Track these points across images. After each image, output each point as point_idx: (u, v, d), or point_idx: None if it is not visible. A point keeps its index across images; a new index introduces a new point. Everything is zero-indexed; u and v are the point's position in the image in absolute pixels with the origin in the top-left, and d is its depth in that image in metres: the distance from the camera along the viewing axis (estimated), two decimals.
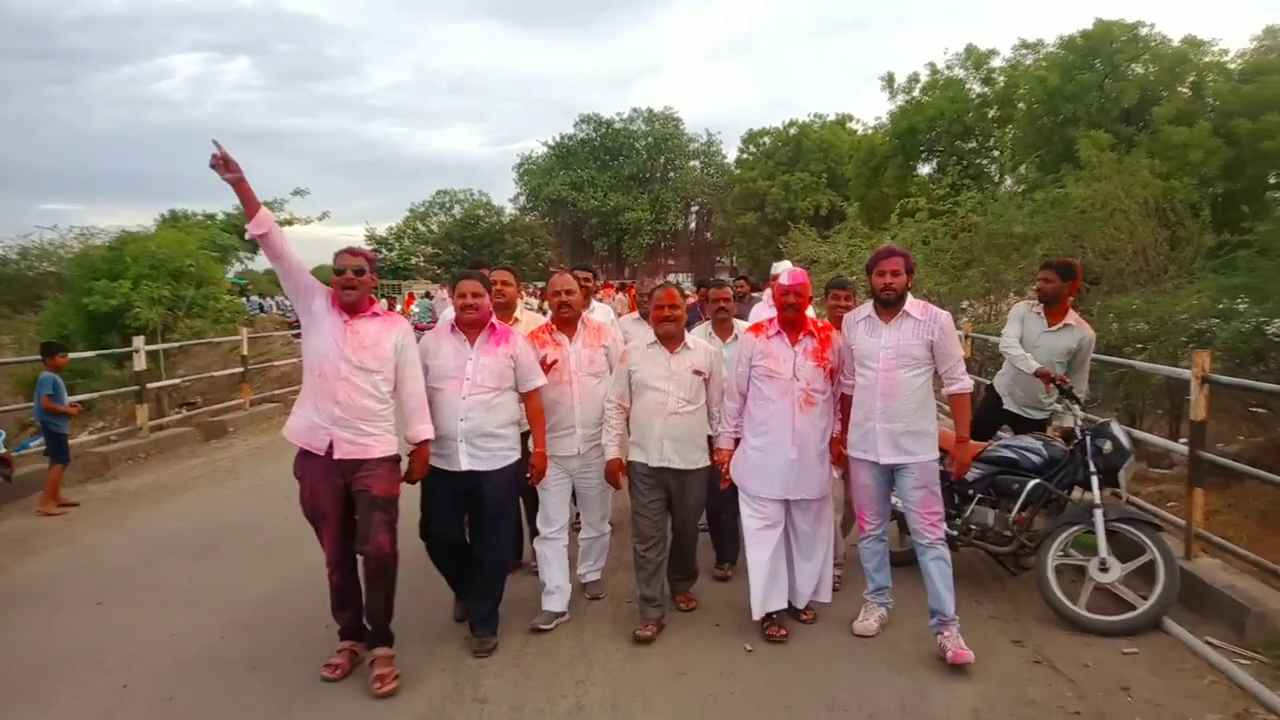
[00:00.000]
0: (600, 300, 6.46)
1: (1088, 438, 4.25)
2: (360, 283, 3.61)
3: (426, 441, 3.78)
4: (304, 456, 3.64)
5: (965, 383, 3.87)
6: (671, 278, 40.10)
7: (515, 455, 4.02)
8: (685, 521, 4.26)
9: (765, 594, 4.00)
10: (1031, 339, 4.87)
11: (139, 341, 9.38)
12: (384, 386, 3.66)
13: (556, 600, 4.29)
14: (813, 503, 4.07)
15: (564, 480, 4.33)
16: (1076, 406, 4.42)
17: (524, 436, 4.18)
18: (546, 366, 4.20)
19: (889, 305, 3.86)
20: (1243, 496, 5.85)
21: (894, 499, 4.07)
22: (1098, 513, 4.09)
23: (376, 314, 3.72)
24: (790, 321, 4.04)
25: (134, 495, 7.15)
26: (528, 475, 4.10)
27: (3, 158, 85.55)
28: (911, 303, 3.87)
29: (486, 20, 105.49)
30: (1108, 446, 4.22)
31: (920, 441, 3.82)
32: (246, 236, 3.55)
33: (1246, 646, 3.77)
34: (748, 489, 4.08)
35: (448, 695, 3.53)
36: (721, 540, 4.86)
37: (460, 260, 39.65)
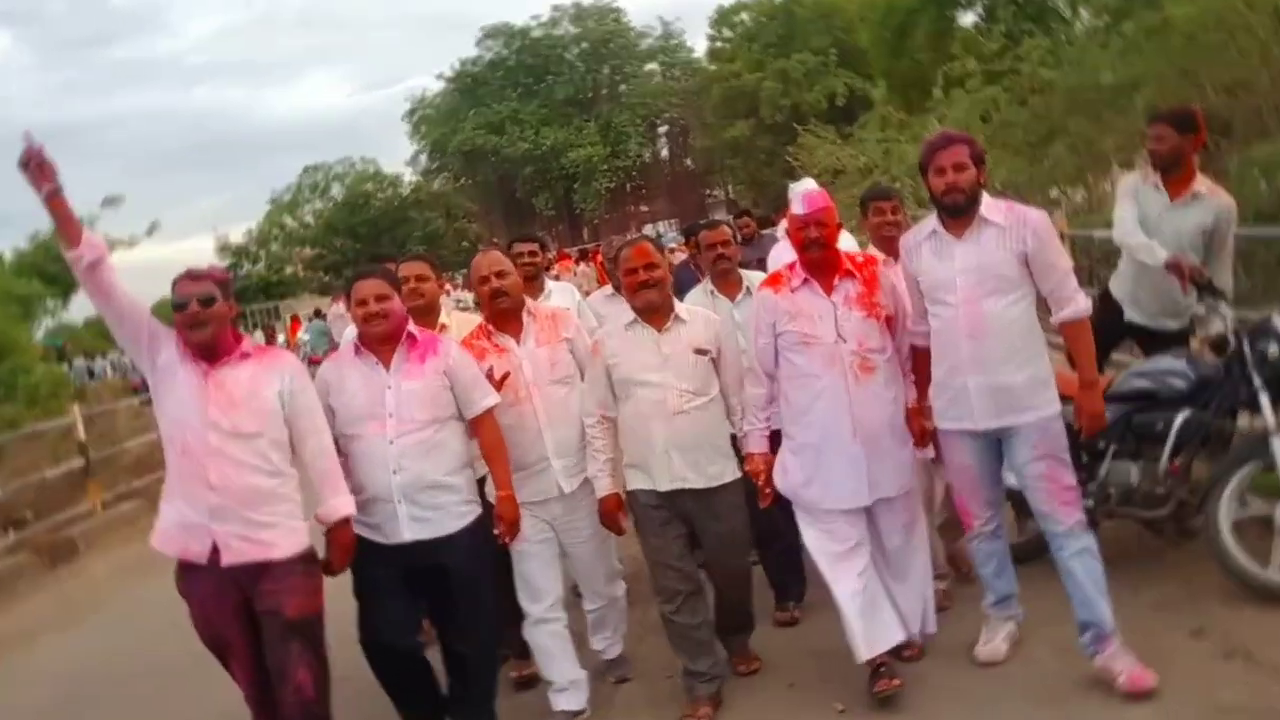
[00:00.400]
0: (557, 278, 6.57)
1: (1245, 343, 4.37)
2: (210, 316, 3.54)
3: (347, 518, 3.75)
4: (185, 569, 3.59)
5: (1081, 303, 3.86)
6: (648, 229, 40.20)
7: (475, 510, 4.04)
8: (723, 560, 4.27)
9: (868, 631, 3.94)
10: (1153, 220, 4.95)
11: (75, 409, 9.61)
12: (274, 454, 3.61)
13: (571, 698, 4.31)
14: (897, 501, 4.08)
15: (546, 538, 4.33)
16: (1224, 304, 4.55)
17: (481, 482, 4.20)
18: (495, 383, 4.18)
19: (957, 213, 3.84)
20: None
21: (1007, 475, 4.12)
22: (1276, 440, 4.20)
23: (247, 354, 3.69)
24: (817, 263, 3.99)
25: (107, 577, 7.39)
26: (496, 532, 4.08)
27: None
28: (988, 204, 3.86)
29: None
30: (1274, 350, 4.33)
31: (1033, 393, 3.80)
32: (75, 269, 3.52)
33: None
34: (805, 502, 4.10)
35: None
36: (780, 573, 4.89)
37: (353, 258, 39.73)
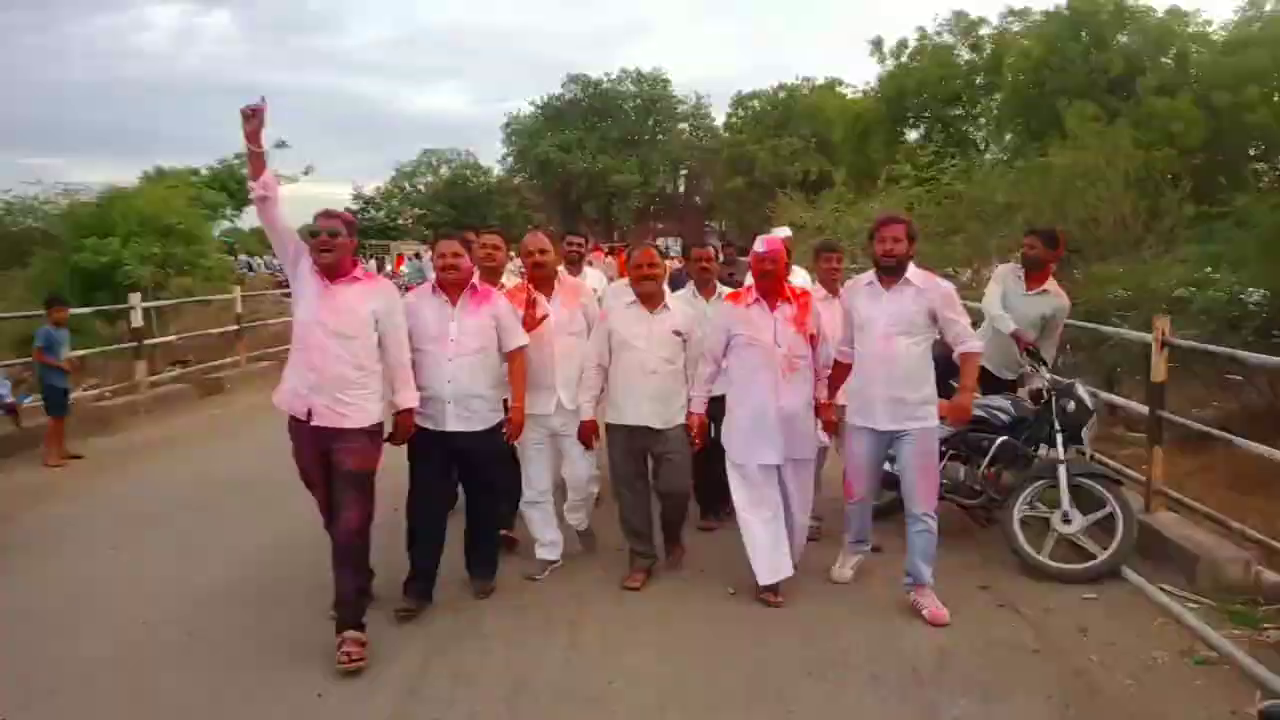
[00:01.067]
0: (590, 264, 6.62)
1: (1053, 398, 4.49)
2: (336, 245, 3.52)
3: (410, 409, 3.77)
4: (293, 420, 3.61)
5: (974, 344, 3.95)
6: (659, 242, 40.15)
7: (499, 416, 4.05)
8: (670, 481, 4.26)
9: (770, 562, 4.01)
10: (1011, 301, 5.01)
11: (135, 298, 9.48)
12: (362, 353, 3.57)
13: (549, 550, 4.41)
14: (800, 465, 4.13)
15: (543, 445, 4.35)
16: (1044, 369, 4.66)
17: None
18: (536, 319, 4.20)
19: (890, 272, 3.87)
20: (1215, 460, 6.02)
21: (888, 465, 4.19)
22: (1061, 468, 4.32)
23: (357, 278, 3.64)
24: (768, 289, 4.03)
25: (136, 449, 7.34)
26: (503, 432, 4.10)
27: None
28: (914, 271, 3.89)
29: None
30: (1071, 406, 4.46)
31: (920, 408, 3.86)
32: (251, 196, 3.55)
33: (1196, 592, 4.02)
34: (737, 457, 4.09)
35: (449, 633, 3.76)
36: (707, 494, 4.89)
37: (448, 221, 39.47)
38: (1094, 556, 4.25)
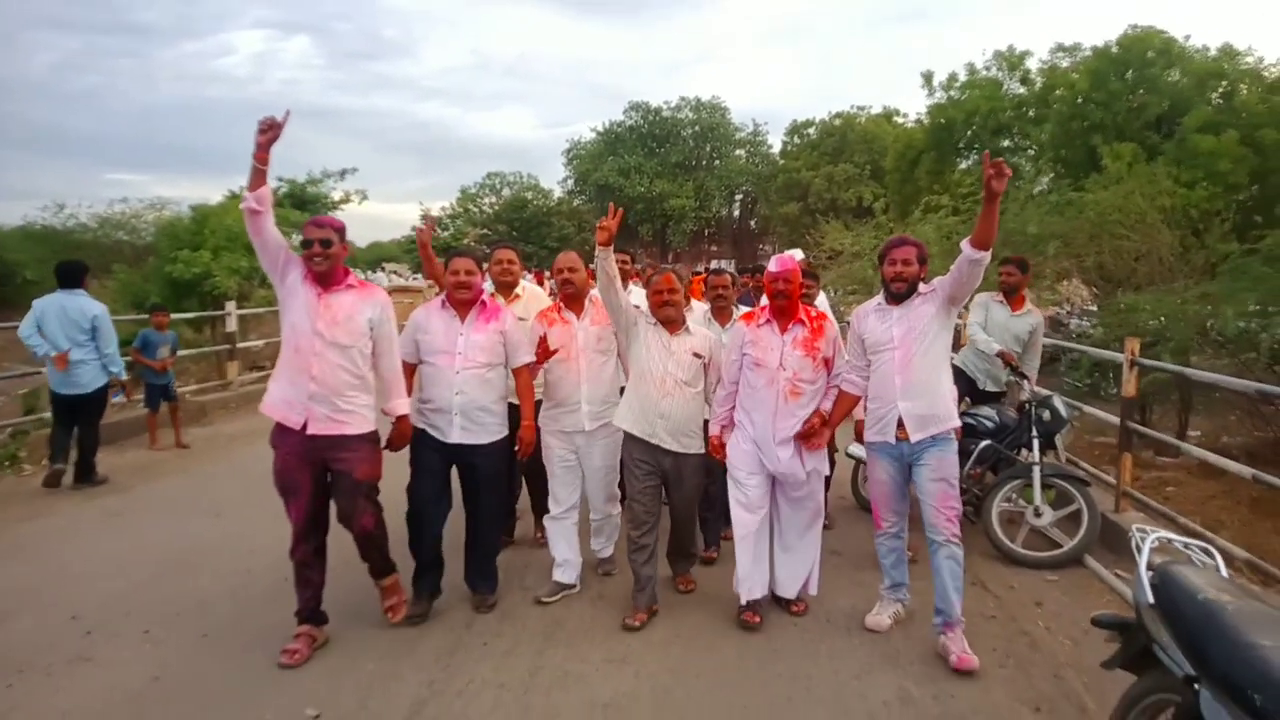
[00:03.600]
0: (637, 284, 7.23)
1: (1032, 408, 5.04)
2: (328, 254, 3.50)
3: (405, 415, 3.78)
4: (280, 429, 3.56)
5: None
6: (714, 264, 40.47)
7: (504, 432, 4.06)
8: (682, 507, 4.22)
9: (748, 578, 3.98)
10: (1000, 323, 5.57)
11: (231, 306, 10.52)
12: (360, 361, 3.57)
13: (565, 573, 4.36)
14: (799, 490, 4.02)
15: (571, 460, 4.33)
16: (1027, 382, 5.22)
17: (513, 410, 4.18)
18: (548, 351, 4.15)
19: (899, 297, 3.74)
20: (1236, 484, 6.21)
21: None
22: (1035, 469, 4.87)
23: (351, 286, 3.62)
24: (780, 309, 3.95)
25: (230, 437, 8.29)
26: (515, 449, 4.10)
27: (74, 129, 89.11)
28: (922, 289, 3.75)
29: (541, 4, 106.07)
30: (1047, 415, 5.00)
31: (940, 422, 3.70)
32: (243, 207, 3.42)
33: None
34: (736, 470, 4.03)
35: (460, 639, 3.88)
36: (706, 524, 4.84)
37: (509, 241, 40.38)
38: (1061, 546, 4.79)
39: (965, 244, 3.47)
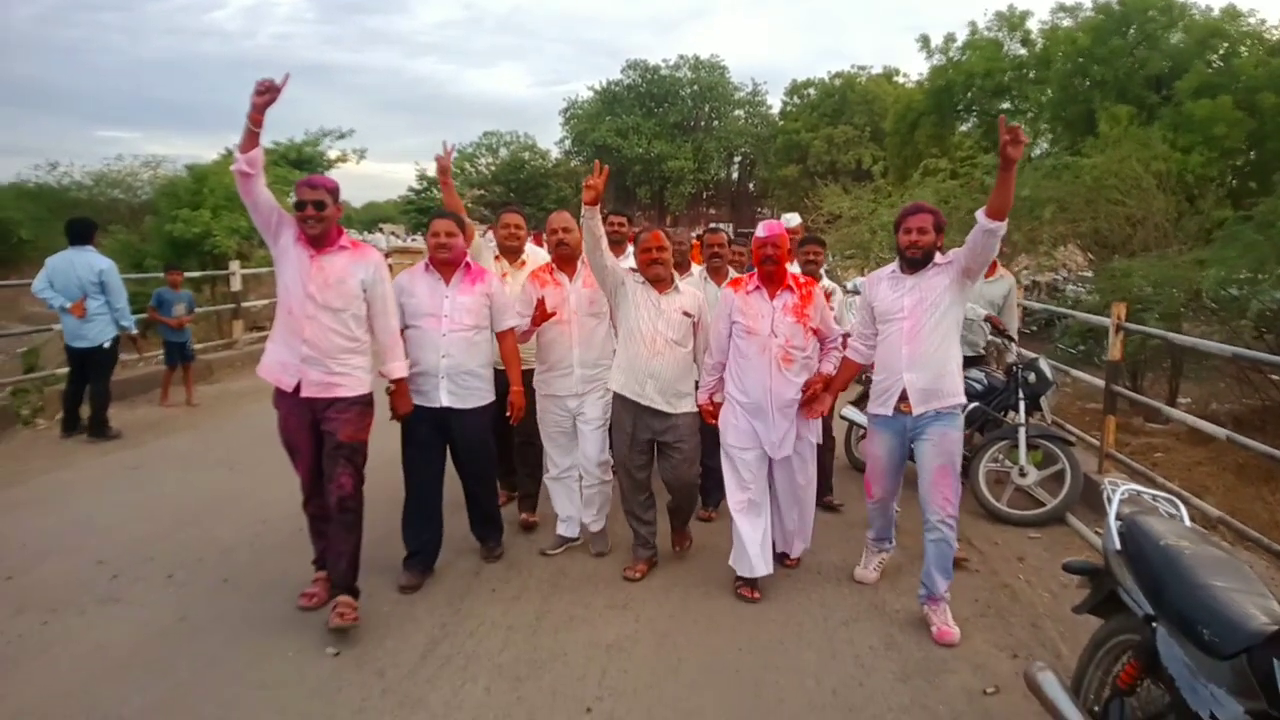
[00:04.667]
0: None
1: (1018, 371, 5.22)
2: (320, 215, 3.44)
3: (402, 379, 3.76)
4: (278, 392, 3.57)
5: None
6: (713, 226, 40.17)
7: (491, 397, 4.07)
8: (679, 475, 4.14)
9: (747, 558, 3.94)
10: (974, 289, 5.68)
11: (235, 266, 10.66)
12: (353, 324, 3.54)
13: (568, 527, 4.48)
14: (794, 457, 4.00)
15: (566, 428, 4.35)
16: (1013, 344, 5.39)
17: (500, 376, 4.19)
18: (543, 313, 4.15)
19: (914, 265, 3.64)
20: (1224, 451, 6.39)
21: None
22: (1020, 430, 5.06)
23: (344, 247, 3.56)
24: (768, 275, 3.90)
25: (238, 395, 8.47)
26: (507, 415, 4.14)
27: (60, 84, 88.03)
28: (938, 259, 3.66)
29: None
30: (1033, 377, 5.18)
31: (945, 398, 3.63)
32: (234, 169, 3.36)
33: None
34: (730, 445, 4.00)
35: (469, 589, 4.04)
36: (706, 484, 4.79)
37: (505, 202, 40.39)
38: (1045, 505, 5.00)
39: (980, 214, 3.38)
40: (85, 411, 6.80)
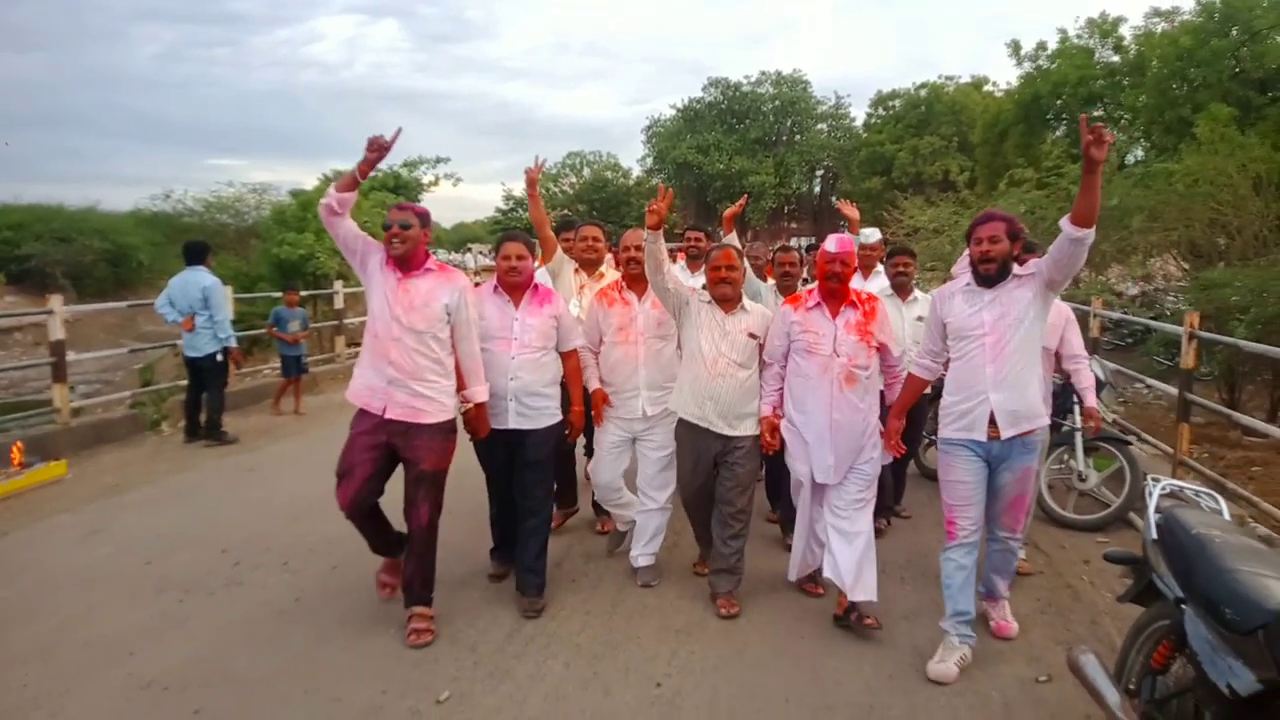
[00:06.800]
0: None
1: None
2: (407, 237, 3.51)
3: (483, 403, 3.78)
4: (361, 412, 3.61)
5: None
6: (793, 241, 40.06)
7: (558, 417, 4.05)
8: (728, 495, 3.96)
9: (800, 560, 4.08)
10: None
11: (339, 285, 11.48)
12: (436, 346, 3.57)
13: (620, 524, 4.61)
14: (851, 483, 3.81)
15: (624, 445, 4.31)
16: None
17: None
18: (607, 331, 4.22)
19: (990, 280, 3.39)
20: None
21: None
22: (1076, 435, 5.14)
23: (430, 270, 3.62)
24: (832, 292, 3.77)
25: (340, 406, 9.02)
26: (566, 433, 4.16)
27: (172, 115, 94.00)
28: (1017, 270, 3.42)
29: None
30: None
31: (1031, 420, 3.43)
32: (322, 203, 3.50)
33: None
34: (794, 467, 3.97)
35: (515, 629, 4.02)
36: (771, 485, 4.83)
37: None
38: (1109, 506, 5.06)
39: (1065, 222, 3.15)
40: (204, 418, 7.49)
